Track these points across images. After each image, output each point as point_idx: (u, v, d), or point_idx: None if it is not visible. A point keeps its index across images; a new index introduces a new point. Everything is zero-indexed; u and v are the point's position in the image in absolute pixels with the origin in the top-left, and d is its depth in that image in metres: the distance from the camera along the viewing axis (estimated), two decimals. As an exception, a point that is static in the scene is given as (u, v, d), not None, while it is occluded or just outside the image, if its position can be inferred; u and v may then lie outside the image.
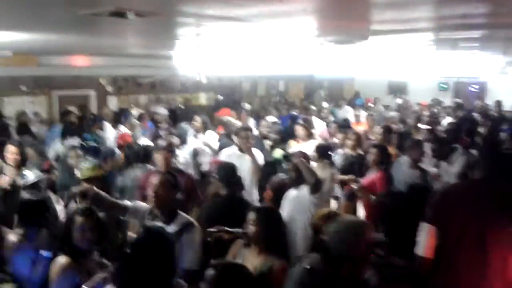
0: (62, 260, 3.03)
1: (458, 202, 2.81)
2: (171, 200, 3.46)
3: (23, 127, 7.35)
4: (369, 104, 12.71)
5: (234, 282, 2.33)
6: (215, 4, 2.99)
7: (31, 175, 4.92)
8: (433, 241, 2.78)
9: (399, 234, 3.06)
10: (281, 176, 4.89)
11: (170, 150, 4.86)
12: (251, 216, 3.15)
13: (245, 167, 5.42)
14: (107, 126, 8.49)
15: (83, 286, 2.80)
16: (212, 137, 7.81)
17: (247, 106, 10.89)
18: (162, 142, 5.22)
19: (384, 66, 10.51)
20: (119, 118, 8.75)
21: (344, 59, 9.08)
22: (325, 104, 11.51)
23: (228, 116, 8.69)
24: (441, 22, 4.26)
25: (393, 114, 10.65)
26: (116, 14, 3.00)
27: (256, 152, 5.86)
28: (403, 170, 5.37)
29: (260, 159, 5.86)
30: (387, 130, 6.81)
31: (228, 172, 4.43)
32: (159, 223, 3.28)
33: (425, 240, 2.79)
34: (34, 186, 4.78)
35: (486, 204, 2.70)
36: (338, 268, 2.40)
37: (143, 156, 5.50)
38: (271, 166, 5.85)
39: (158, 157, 4.74)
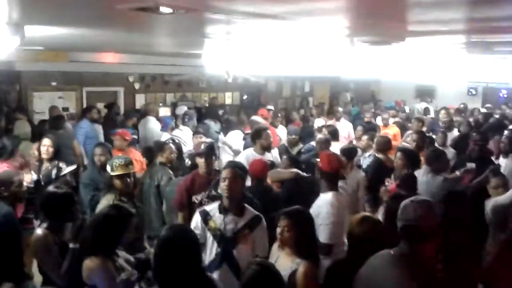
0: (97, 258, 3.04)
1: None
2: (242, 193, 3.64)
3: (56, 122, 7.48)
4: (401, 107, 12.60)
5: (264, 283, 2.52)
6: (247, 0, 2.97)
7: (65, 167, 5.07)
8: None
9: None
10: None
11: (211, 153, 4.80)
12: (284, 221, 3.14)
13: None
14: (152, 120, 8.63)
15: (121, 277, 2.84)
16: (235, 137, 7.84)
17: (269, 107, 10.89)
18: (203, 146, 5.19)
19: (412, 68, 10.34)
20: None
21: (372, 60, 8.96)
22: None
23: (257, 116, 8.72)
24: (475, 24, 4.16)
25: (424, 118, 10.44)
26: (150, 9, 3.02)
27: (275, 152, 5.86)
28: (425, 178, 5.26)
29: (276, 159, 5.86)
30: (422, 136, 6.67)
31: None
32: (231, 216, 3.47)
33: None
34: (65, 180, 4.88)
35: None
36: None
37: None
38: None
39: (201, 160, 4.62)
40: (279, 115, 10.09)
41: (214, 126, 8.93)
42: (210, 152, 4.58)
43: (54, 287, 3.42)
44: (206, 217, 3.54)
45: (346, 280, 2.88)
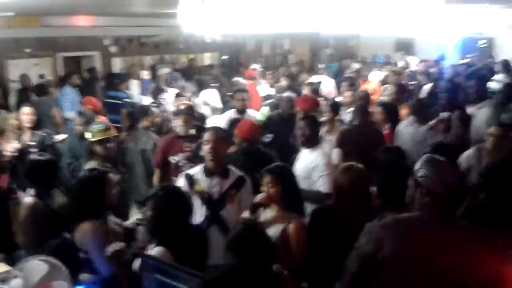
0: (87, 222, 3.07)
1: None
2: (225, 155, 3.64)
3: (42, 88, 7.41)
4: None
5: (249, 241, 2.54)
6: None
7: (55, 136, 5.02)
8: None
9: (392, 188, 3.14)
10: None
11: (189, 112, 4.81)
12: (266, 178, 3.18)
13: None
14: (135, 83, 8.52)
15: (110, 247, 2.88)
16: (210, 95, 7.84)
17: (254, 66, 10.80)
18: (182, 106, 5.19)
19: (391, 21, 10.28)
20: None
21: (351, 15, 8.88)
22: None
23: (238, 78, 8.70)
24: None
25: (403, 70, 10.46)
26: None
27: (251, 113, 5.89)
28: (410, 129, 5.35)
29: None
30: (400, 89, 6.73)
31: None
32: (217, 179, 3.48)
33: None
34: (52, 148, 4.85)
35: None
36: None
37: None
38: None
39: (179, 120, 4.66)
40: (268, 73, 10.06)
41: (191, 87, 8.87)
42: (187, 112, 4.59)
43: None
44: (191, 181, 3.56)
45: (330, 228, 2.96)
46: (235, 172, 3.59)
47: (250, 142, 4.32)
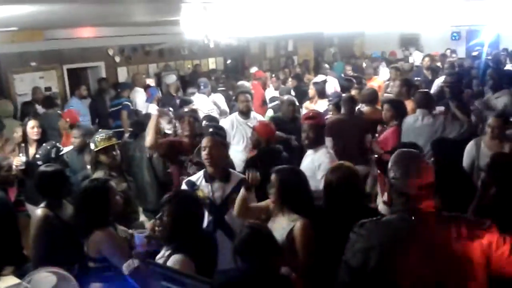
0: (98, 230, 3.06)
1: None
2: (224, 159, 3.66)
3: (50, 100, 7.54)
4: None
5: (256, 245, 2.54)
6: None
7: (62, 147, 5.04)
8: None
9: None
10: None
11: (193, 116, 4.84)
12: (273, 178, 3.17)
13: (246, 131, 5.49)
14: (140, 92, 8.57)
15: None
16: (220, 99, 7.86)
17: (253, 69, 10.83)
18: (185, 109, 5.23)
19: (396, 17, 10.24)
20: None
21: (353, 13, 8.84)
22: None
23: (243, 81, 8.74)
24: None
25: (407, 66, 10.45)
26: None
27: (256, 115, 5.90)
28: (419, 123, 5.27)
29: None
30: (405, 84, 6.66)
31: None
32: (218, 183, 3.48)
33: None
34: (63, 159, 4.86)
35: None
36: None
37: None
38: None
39: (184, 124, 4.72)
40: (273, 76, 10.12)
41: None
42: (190, 114, 4.61)
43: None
44: (193, 187, 3.55)
45: (323, 229, 2.93)
46: (236, 175, 3.59)
47: (267, 142, 4.50)
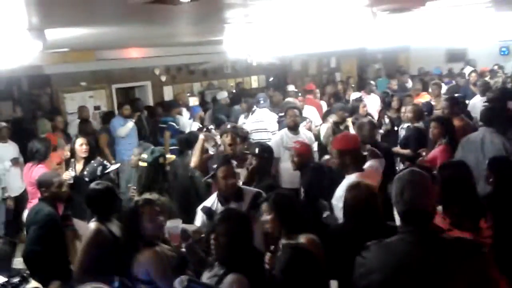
0: (148, 250, 3.10)
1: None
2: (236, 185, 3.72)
3: (84, 126, 8.00)
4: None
5: (302, 264, 2.48)
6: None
7: (109, 165, 5.19)
8: None
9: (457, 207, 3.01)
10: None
11: (235, 132, 4.90)
12: (264, 206, 3.12)
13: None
14: (182, 110, 8.80)
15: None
16: (266, 116, 7.84)
17: (290, 87, 10.82)
18: (226, 125, 5.31)
19: (440, 32, 10.02)
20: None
21: (398, 28, 8.73)
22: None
23: (290, 98, 8.80)
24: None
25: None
26: (164, 1, 3.01)
27: (305, 131, 5.87)
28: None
29: (310, 139, 5.87)
30: (452, 101, 6.49)
31: None
32: (233, 204, 3.51)
33: None
34: (109, 177, 5.01)
35: None
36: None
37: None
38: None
39: (225, 140, 4.80)
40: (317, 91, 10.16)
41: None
42: (232, 131, 4.65)
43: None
44: (209, 212, 3.56)
45: (341, 246, 2.87)
46: (249, 190, 3.61)
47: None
